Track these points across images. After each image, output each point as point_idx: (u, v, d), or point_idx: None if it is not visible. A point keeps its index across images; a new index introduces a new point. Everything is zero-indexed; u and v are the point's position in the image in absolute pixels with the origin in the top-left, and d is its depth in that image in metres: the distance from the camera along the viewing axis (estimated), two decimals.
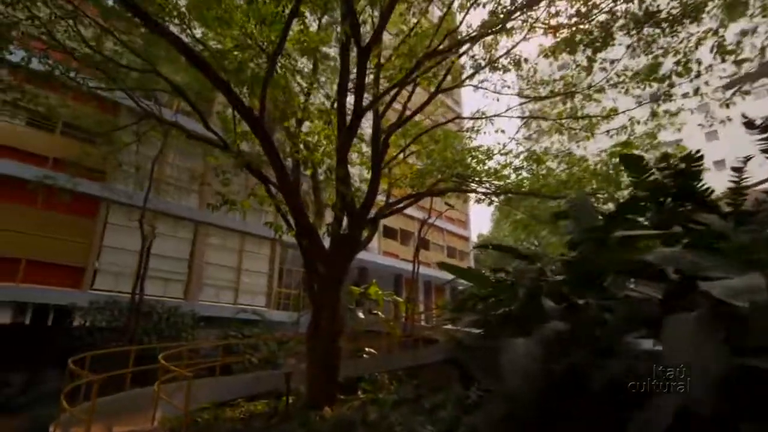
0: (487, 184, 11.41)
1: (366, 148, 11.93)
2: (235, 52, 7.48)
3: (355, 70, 7.30)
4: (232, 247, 17.95)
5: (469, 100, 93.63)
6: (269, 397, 9.30)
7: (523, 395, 2.90)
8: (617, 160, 10.72)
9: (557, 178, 10.49)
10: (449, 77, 10.26)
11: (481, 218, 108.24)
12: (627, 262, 4.25)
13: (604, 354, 3.63)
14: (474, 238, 36.69)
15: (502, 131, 10.84)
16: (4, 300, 12.03)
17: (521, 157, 11.00)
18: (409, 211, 26.69)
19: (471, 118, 10.91)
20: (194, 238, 16.71)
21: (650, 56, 8.80)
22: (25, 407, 10.15)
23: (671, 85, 8.45)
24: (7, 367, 11.37)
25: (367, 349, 12.98)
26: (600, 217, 4.62)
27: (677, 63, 8.23)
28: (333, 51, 12.08)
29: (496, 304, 5.05)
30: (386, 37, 10.39)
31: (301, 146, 8.62)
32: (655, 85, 8.84)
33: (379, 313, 15.86)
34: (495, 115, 10.14)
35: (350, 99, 7.90)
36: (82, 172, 12.51)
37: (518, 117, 11.12)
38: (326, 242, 8.58)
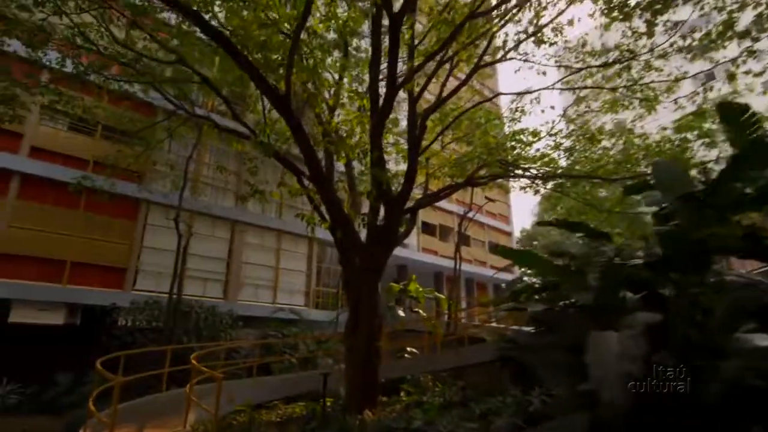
0: (534, 170, 10.53)
1: (402, 141, 11.37)
2: (260, 35, 7.08)
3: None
4: (269, 245, 17.84)
5: (509, 87, 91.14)
6: (307, 398, 8.91)
7: (617, 403, 2.18)
8: (684, 135, 9.60)
9: (614, 159, 9.48)
10: (488, 55, 9.51)
11: (522, 213, 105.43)
12: (733, 234, 3.36)
13: (713, 353, 2.79)
14: (516, 234, 35.27)
15: (552, 108, 9.91)
16: (54, 301, 12.31)
17: (572, 137, 10.01)
18: (447, 206, 26.00)
19: (516, 93, 10.05)
20: (231, 237, 16.70)
21: (723, 13, 7.69)
22: (71, 406, 10.25)
23: (755, 39, 7.29)
24: (56, 367, 11.64)
25: (408, 348, 12.39)
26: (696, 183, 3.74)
27: (758, 16, 7.10)
28: (364, 43, 11.63)
29: (559, 295, 4.27)
30: (420, 25, 9.80)
31: (333, 134, 8.20)
32: (729, 45, 7.70)
33: (420, 311, 15.21)
34: (542, 89, 9.24)
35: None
36: (121, 173, 12.68)
37: (569, 89, 10.11)
38: (362, 236, 8.09)
